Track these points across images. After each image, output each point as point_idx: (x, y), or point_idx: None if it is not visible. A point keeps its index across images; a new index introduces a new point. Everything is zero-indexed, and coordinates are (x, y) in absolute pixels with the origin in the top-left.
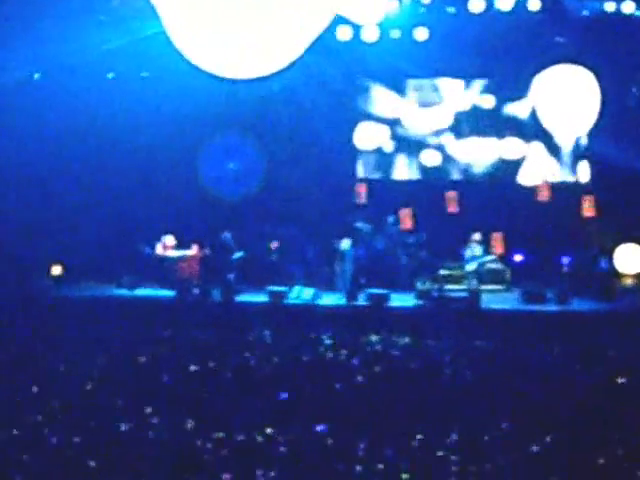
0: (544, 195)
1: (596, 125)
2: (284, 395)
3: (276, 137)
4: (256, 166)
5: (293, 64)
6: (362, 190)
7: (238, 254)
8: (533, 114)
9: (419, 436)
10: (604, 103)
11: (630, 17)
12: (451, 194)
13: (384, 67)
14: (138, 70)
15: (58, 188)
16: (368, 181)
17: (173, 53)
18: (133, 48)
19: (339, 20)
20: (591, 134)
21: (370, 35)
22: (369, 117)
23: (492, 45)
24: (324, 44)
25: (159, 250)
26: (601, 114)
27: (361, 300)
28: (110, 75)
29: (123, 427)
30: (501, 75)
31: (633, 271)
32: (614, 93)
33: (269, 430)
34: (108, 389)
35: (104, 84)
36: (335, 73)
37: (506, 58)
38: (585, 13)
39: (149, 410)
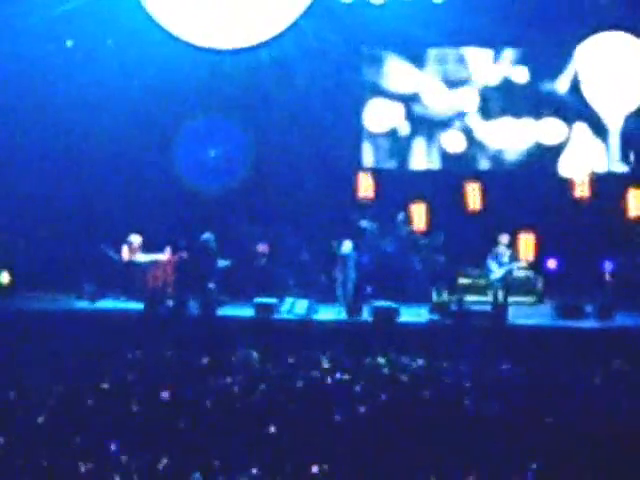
0: (584, 189)
1: None
2: (273, 429)
3: (266, 119)
4: (242, 153)
5: (286, 31)
6: (368, 182)
7: (223, 262)
8: (575, 90)
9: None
10: None
11: None
12: (474, 186)
13: (396, 33)
14: (102, 37)
15: (3, 178)
16: (376, 171)
17: (144, 16)
18: (96, 9)
19: None
20: None
21: None
22: (380, 93)
23: (525, 8)
24: (323, 7)
25: (125, 254)
26: None
27: (365, 314)
28: (69, 43)
29: (82, 468)
30: (536, 44)
31: None
32: None
33: (255, 471)
34: (65, 422)
35: (61, 53)
36: (337, 41)
37: (542, 23)
38: None
39: (113, 447)
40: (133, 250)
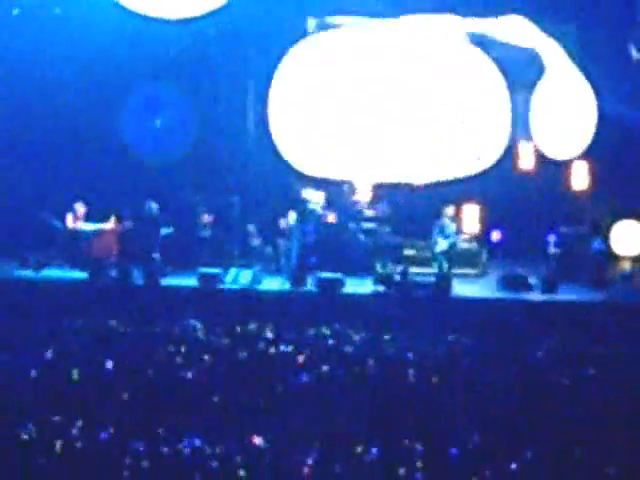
0: (529, 161)
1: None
2: (216, 399)
3: (212, 88)
4: (187, 123)
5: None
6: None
7: (166, 230)
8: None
9: (374, 450)
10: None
11: None
12: None
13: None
14: (49, 6)
15: None
16: None
17: None
18: None
19: None
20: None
21: None
22: None
23: None
24: None
25: (69, 222)
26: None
27: (310, 285)
28: (15, 11)
29: (25, 436)
30: None
31: (631, 253)
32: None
33: (198, 442)
34: (8, 391)
35: (7, 22)
36: (283, 11)
37: None
38: None
39: (57, 417)
40: (77, 219)
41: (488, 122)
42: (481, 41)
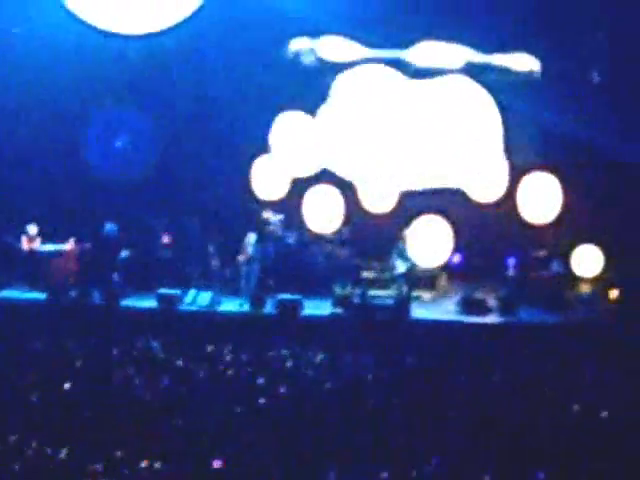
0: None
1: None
2: (175, 421)
3: (172, 108)
4: (147, 144)
5: (190, 19)
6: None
7: (125, 251)
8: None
9: (332, 475)
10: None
11: None
12: None
13: (300, 19)
14: (7, 25)
15: None
16: None
17: (51, 3)
18: None
19: None
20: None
21: None
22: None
23: None
24: None
25: (24, 244)
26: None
27: (268, 307)
28: None
29: None
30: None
31: (590, 275)
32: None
33: (157, 465)
34: None
35: None
36: (242, 28)
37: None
38: None
39: (13, 437)
40: (31, 240)
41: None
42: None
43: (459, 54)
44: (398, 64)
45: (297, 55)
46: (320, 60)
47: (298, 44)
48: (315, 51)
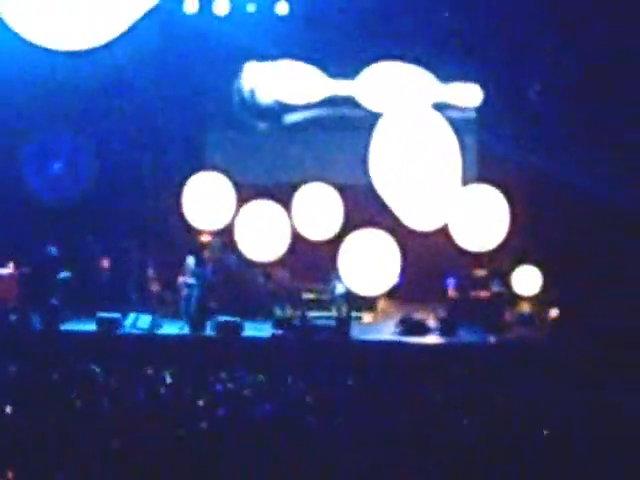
0: None
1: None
2: (115, 444)
3: (111, 132)
4: (86, 167)
5: (124, 40)
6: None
7: (64, 275)
8: None
9: None
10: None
11: None
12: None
13: (240, 45)
14: None
15: None
16: None
17: None
18: None
19: None
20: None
21: (221, 8)
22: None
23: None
24: (166, 16)
25: None
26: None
27: (209, 329)
28: None
29: None
30: None
31: (529, 294)
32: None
33: None
34: None
35: None
36: (180, 51)
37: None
38: None
39: None
40: None
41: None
42: None
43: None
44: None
45: (252, 94)
46: (277, 102)
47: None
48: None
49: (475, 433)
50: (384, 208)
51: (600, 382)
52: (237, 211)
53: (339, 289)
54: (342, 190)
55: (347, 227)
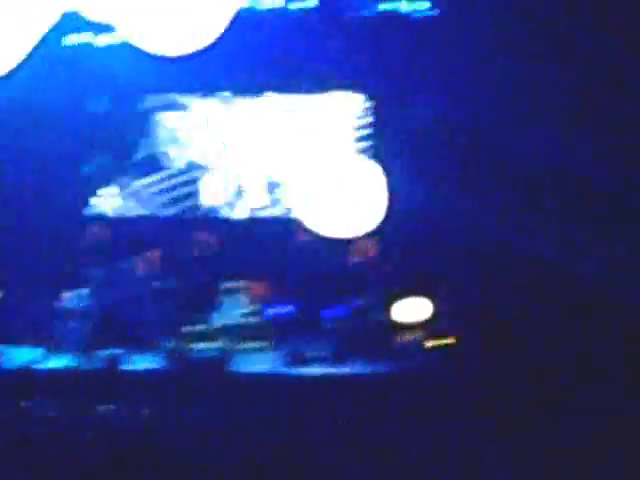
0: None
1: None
2: None
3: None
4: None
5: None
6: (98, 228)
7: None
8: None
9: None
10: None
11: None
12: (206, 233)
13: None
14: None
15: None
16: (104, 217)
17: None
18: None
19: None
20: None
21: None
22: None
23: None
24: (49, 49)
25: None
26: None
27: (95, 362)
28: None
29: None
30: None
31: (416, 322)
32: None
33: None
34: None
35: None
36: (61, 85)
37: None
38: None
39: None
40: None
41: None
42: None
43: None
44: None
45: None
46: None
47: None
48: None
49: (359, 466)
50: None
51: (492, 413)
52: None
53: (225, 320)
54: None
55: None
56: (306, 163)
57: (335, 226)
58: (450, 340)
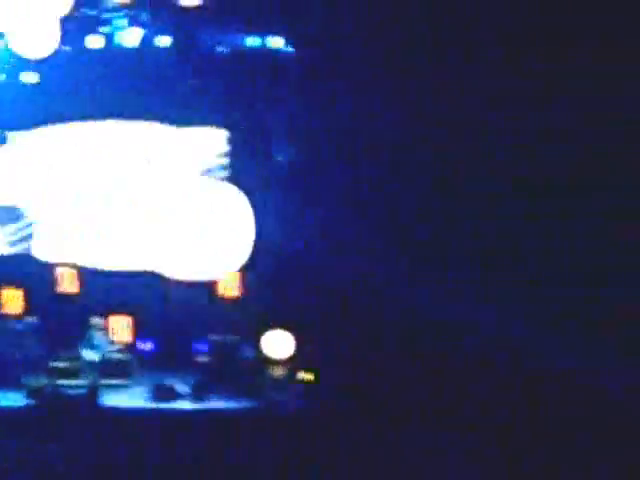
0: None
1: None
2: None
3: None
4: None
5: None
6: None
7: None
8: None
9: None
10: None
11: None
12: (66, 271)
13: None
14: None
15: None
16: None
17: None
18: None
19: None
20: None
21: None
22: None
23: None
24: None
25: None
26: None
27: None
28: None
29: None
30: None
31: (281, 358)
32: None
33: None
34: None
35: None
36: None
37: None
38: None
39: None
40: None
41: None
42: None
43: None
44: None
45: None
46: None
47: None
48: None
49: None
50: None
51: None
52: None
53: (89, 356)
54: None
55: None
56: (163, 205)
57: (197, 271)
58: (311, 375)
